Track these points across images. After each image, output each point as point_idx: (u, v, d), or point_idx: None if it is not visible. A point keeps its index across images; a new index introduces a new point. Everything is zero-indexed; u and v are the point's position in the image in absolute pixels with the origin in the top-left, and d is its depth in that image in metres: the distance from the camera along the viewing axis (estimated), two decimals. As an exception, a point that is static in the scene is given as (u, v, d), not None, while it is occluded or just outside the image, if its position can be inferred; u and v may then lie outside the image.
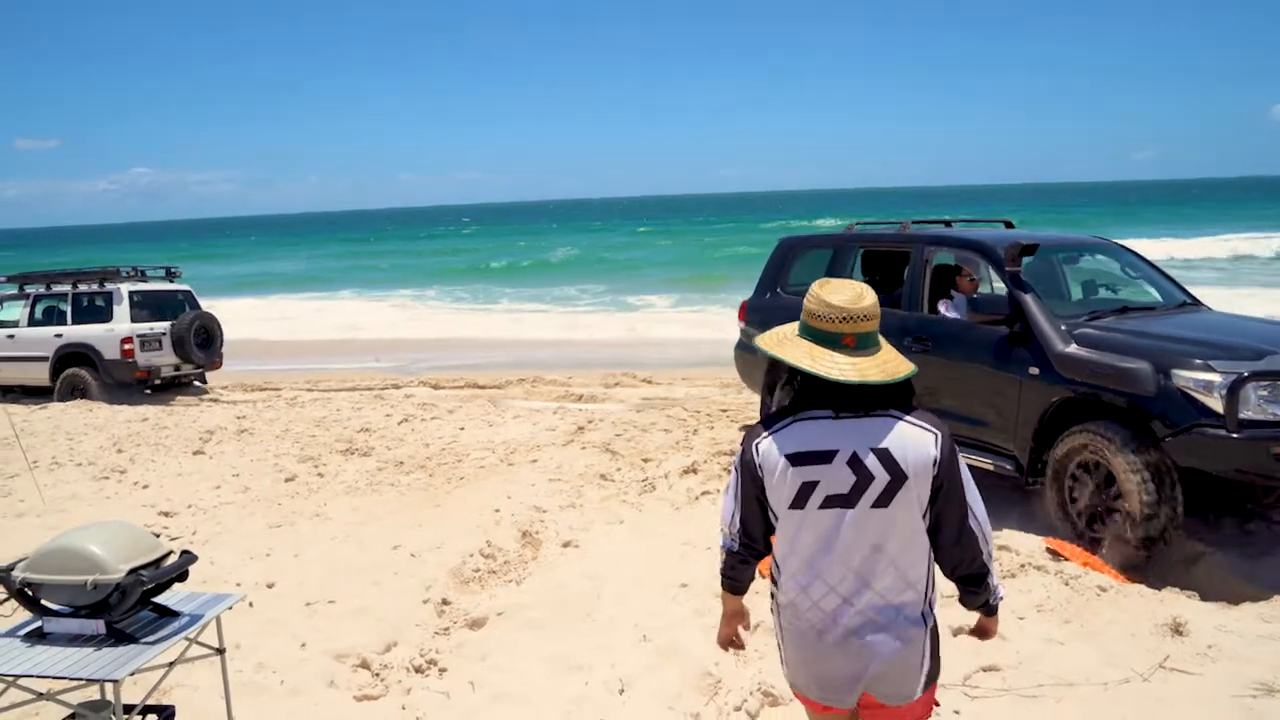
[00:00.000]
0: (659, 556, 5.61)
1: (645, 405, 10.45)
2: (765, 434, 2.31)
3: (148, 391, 12.81)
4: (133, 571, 2.94)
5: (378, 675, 4.25)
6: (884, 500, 2.20)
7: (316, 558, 5.72)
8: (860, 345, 2.25)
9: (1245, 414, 4.92)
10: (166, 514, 6.77)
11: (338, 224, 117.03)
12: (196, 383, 13.72)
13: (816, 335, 2.28)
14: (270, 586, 5.29)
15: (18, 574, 2.94)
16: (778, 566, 2.36)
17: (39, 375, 12.81)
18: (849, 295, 2.28)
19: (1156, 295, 6.85)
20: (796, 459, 2.23)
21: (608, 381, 13.04)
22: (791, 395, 2.35)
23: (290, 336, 21.13)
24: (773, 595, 2.40)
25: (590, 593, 5.12)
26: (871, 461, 2.19)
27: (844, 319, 2.25)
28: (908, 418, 2.25)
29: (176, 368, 13.03)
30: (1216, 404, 4.95)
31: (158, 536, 3.28)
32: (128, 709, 2.93)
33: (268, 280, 37.22)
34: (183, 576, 3.16)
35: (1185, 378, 5.09)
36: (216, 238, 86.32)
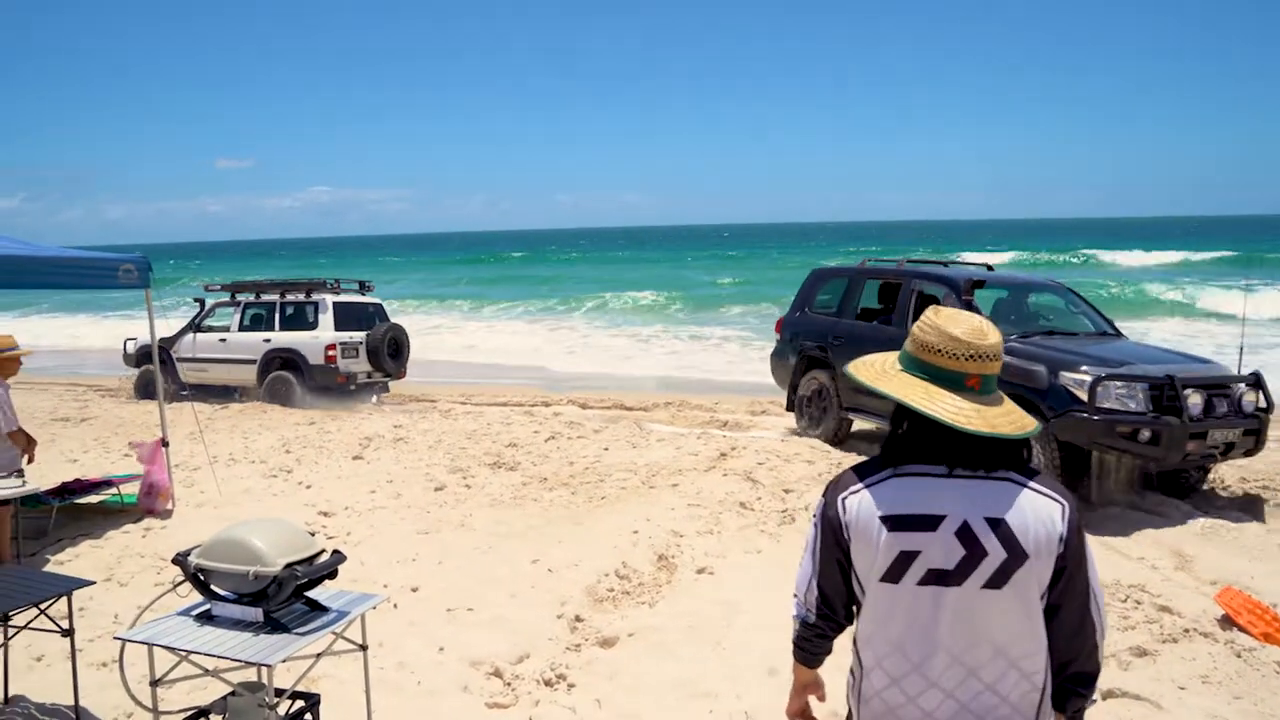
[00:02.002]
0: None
1: (790, 434, 10.35)
2: (857, 487, 1.97)
3: (353, 388, 13.64)
4: (289, 566, 3.17)
5: (509, 685, 4.40)
6: (998, 581, 1.87)
7: (459, 566, 5.98)
8: (984, 389, 1.94)
9: (1104, 404, 7.07)
10: (325, 514, 7.23)
11: (498, 243, 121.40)
12: (381, 392, 14.53)
13: (934, 373, 1.95)
14: (414, 590, 5.57)
15: (193, 560, 3.24)
16: (860, 647, 2.02)
17: (246, 377, 13.85)
18: (971, 328, 1.95)
19: (1088, 325, 9.14)
20: (895, 523, 1.90)
21: (754, 409, 12.96)
22: (890, 443, 2.03)
23: (454, 356, 21.91)
24: (850, 679, 2.07)
25: (721, 620, 5.13)
26: (985, 534, 1.87)
27: (970, 356, 1.92)
28: (1032, 483, 1.92)
29: (369, 375, 13.87)
30: (1084, 395, 7.09)
31: (314, 535, 3.53)
32: (279, 692, 3.17)
33: (440, 295, 38.65)
34: (333, 574, 3.38)
35: (1067, 377, 7.26)
36: (386, 253, 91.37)
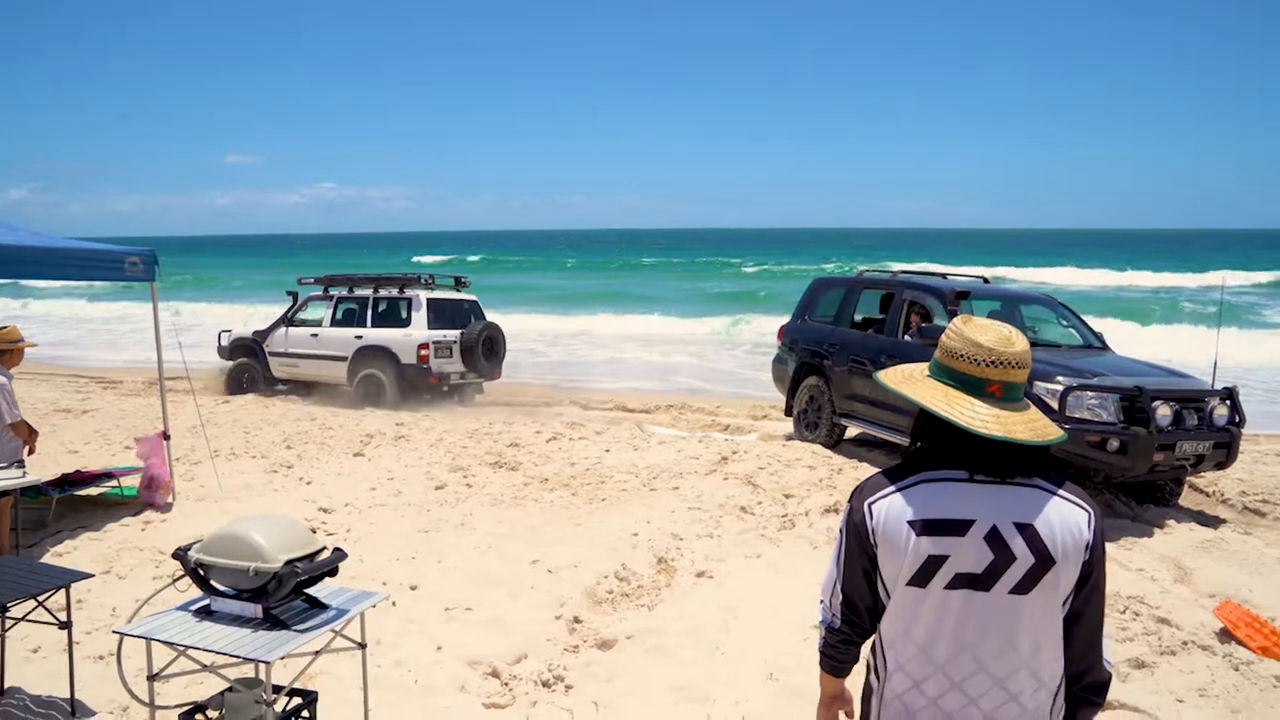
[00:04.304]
0: (793, 595, 5.56)
1: (792, 439, 10.35)
2: (886, 491, 1.98)
3: (446, 389, 13.15)
4: (289, 563, 3.17)
5: (506, 685, 4.39)
6: (1025, 586, 1.88)
7: (458, 565, 5.97)
8: (1006, 396, 1.95)
9: (1075, 413, 7.15)
10: (325, 510, 7.22)
11: (505, 242, 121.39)
12: (476, 394, 14.06)
13: (956, 378, 1.97)
14: (413, 589, 5.56)
15: (193, 554, 3.25)
16: (883, 650, 2.02)
17: (337, 374, 13.43)
18: (996, 336, 1.97)
19: (1075, 337, 9.30)
20: (925, 527, 1.91)
21: (755, 413, 12.97)
22: (913, 449, 2.05)
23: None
24: (871, 683, 2.07)
25: (720, 625, 5.13)
26: (1014, 539, 1.88)
27: (992, 363, 1.94)
28: (1060, 491, 1.94)
29: (462, 375, 13.33)
30: (1055, 404, 7.15)
31: (315, 531, 3.54)
32: (276, 689, 3.17)
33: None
34: (333, 572, 3.38)
35: (1041, 386, 7.32)
36: (395, 251, 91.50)
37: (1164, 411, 7.23)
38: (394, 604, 5.24)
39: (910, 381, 2.04)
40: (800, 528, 6.96)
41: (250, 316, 22.32)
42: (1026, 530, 1.89)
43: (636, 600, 5.53)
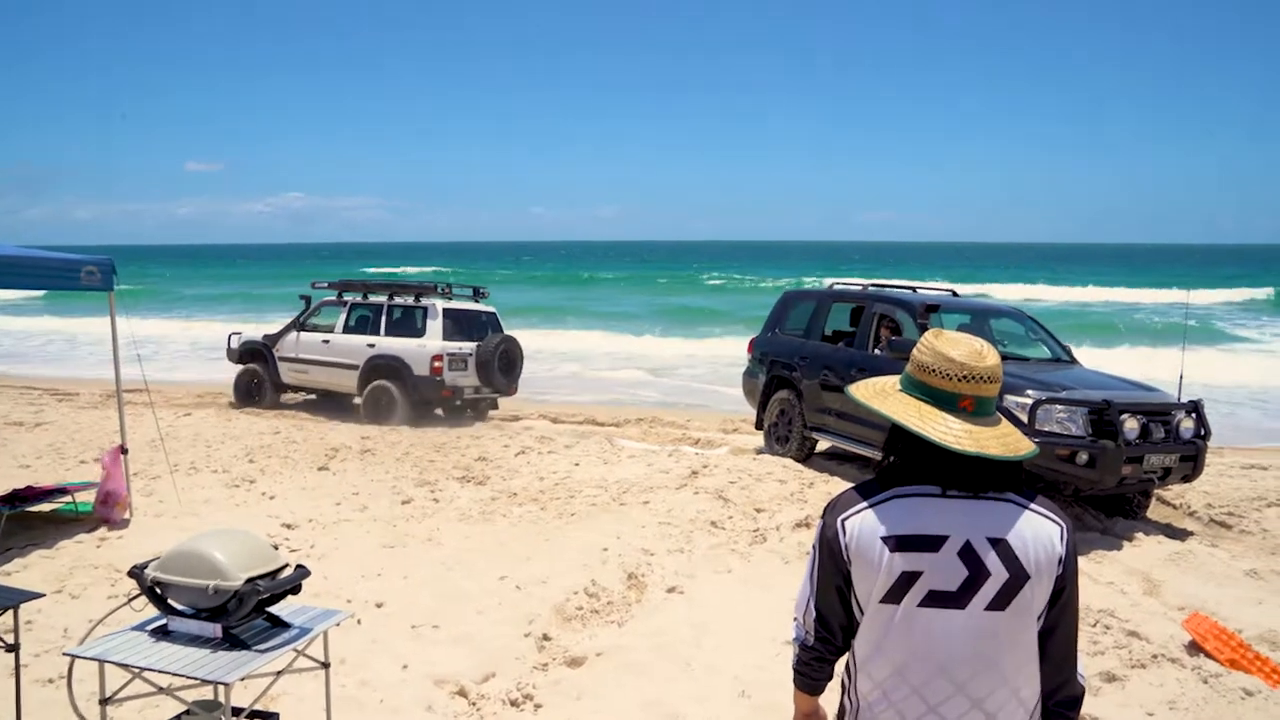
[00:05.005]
0: (765, 610, 5.55)
1: (762, 453, 10.36)
2: (859, 507, 1.96)
3: (459, 403, 12.72)
4: (250, 581, 3.08)
5: (474, 704, 4.32)
6: (1000, 603, 1.87)
7: (425, 581, 5.89)
8: (979, 411, 1.95)
9: (1044, 426, 7.23)
10: (289, 525, 7.10)
11: (471, 254, 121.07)
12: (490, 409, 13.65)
13: (929, 392, 1.96)
14: (379, 606, 5.47)
15: (150, 572, 3.15)
16: (856, 669, 2.00)
17: (347, 383, 12.99)
18: (968, 350, 1.97)
19: (1045, 351, 9.50)
20: (898, 543, 1.89)
21: (726, 427, 12.98)
22: (886, 465, 2.04)
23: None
24: (845, 704, 2.05)
25: (691, 641, 5.11)
26: (988, 554, 1.87)
27: (964, 377, 1.93)
28: (1032, 505, 1.94)
29: (477, 390, 12.82)
30: (1025, 418, 7.20)
31: (277, 548, 3.45)
32: (236, 711, 3.08)
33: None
34: (296, 589, 3.29)
35: (1011, 400, 7.37)
36: (357, 261, 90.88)
37: (1131, 425, 7.33)
38: (359, 622, 5.15)
39: (882, 396, 2.04)
40: (771, 542, 6.95)
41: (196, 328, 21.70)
42: (1000, 545, 1.88)
43: (606, 616, 5.49)
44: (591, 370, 21.04)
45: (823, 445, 10.30)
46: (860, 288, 10.61)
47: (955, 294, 10.62)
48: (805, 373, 9.98)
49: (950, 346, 1.97)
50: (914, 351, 2.03)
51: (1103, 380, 8.33)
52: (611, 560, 6.29)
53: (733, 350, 22.89)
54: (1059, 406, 7.32)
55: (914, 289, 10.57)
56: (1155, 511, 8.40)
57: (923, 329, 8.53)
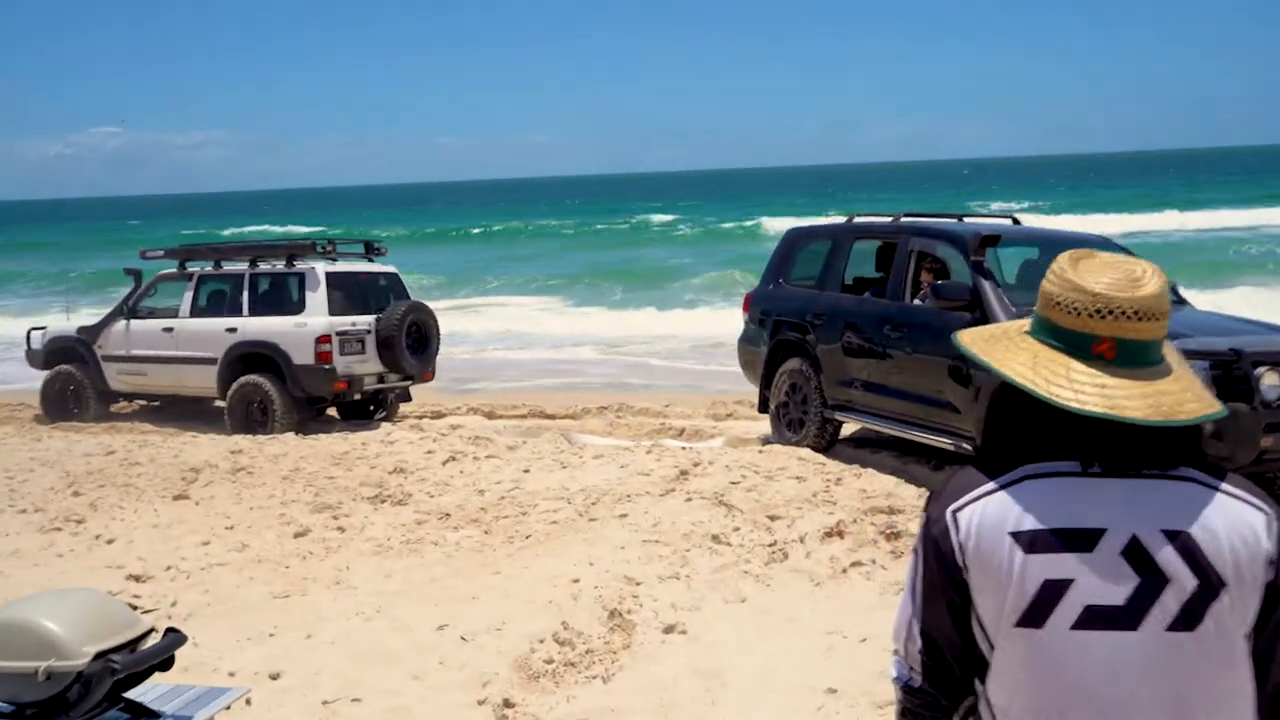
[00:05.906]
0: (796, 650, 5.57)
1: (770, 442, 10.38)
2: (979, 492, 1.84)
3: (357, 397, 12.75)
4: (101, 656, 2.96)
5: (418, 805, 4.22)
6: (1188, 620, 1.72)
7: (336, 639, 5.81)
8: (1125, 359, 1.80)
9: None
10: (137, 578, 6.93)
11: (358, 202, 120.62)
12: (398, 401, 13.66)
13: (1055, 333, 1.85)
14: (274, 678, 5.36)
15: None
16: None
17: (204, 383, 12.76)
18: (1115, 277, 1.82)
19: None
20: (1034, 540, 1.76)
21: (717, 412, 13.10)
22: (986, 432, 1.96)
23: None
24: None
25: (703, 696, 5.12)
26: (1164, 551, 1.74)
27: (1100, 311, 1.79)
28: (1224, 485, 1.80)
29: (380, 378, 12.78)
30: None
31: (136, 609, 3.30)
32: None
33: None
34: (166, 664, 3.20)
35: None
36: (207, 218, 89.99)
37: (1271, 380, 7.19)
38: (249, 702, 5.01)
39: (993, 342, 1.92)
40: (795, 559, 6.95)
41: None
42: (1179, 540, 1.74)
43: (586, 670, 5.47)
44: (531, 350, 21.08)
45: (848, 429, 10.30)
46: (890, 219, 10.49)
47: (1017, 221, 10.71)
48: (822, 334, 9.96)
49: (1089, 273, 1.84)
50: (1043, 282, 1.90)
51: (1226, 324, 8.33)
52: (585, 595, 6.27)
53: (708, 317, 23.15)
54: None
55: (960, 218, 10.60)
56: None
57: (978, 267, 8.55)
